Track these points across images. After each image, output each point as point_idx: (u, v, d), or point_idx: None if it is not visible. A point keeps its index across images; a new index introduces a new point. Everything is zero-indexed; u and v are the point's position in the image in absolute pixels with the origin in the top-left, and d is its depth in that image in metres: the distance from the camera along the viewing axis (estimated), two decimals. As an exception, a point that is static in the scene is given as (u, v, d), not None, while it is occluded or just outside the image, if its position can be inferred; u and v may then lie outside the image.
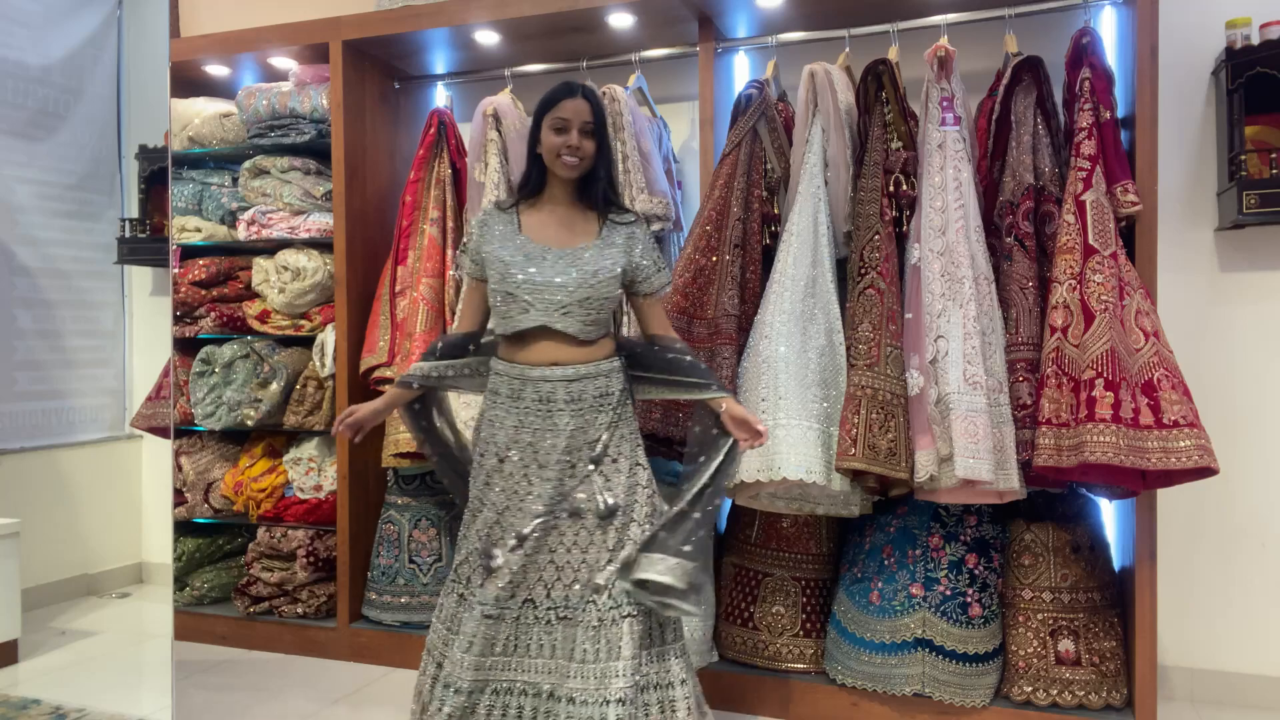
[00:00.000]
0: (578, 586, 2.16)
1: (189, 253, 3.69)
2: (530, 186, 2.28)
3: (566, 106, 2.18)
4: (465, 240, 2.31)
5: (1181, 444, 2.30)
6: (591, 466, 2.18)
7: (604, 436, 2.19)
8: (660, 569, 2.11)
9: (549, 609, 2.17)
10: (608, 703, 2.07)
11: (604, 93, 2.92)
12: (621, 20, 3.08)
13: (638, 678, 2.12)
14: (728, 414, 2.20)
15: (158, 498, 3.75)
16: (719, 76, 3.10)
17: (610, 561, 2.16)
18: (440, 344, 2.36)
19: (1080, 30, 2.63)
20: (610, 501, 2.17)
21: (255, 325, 3.59)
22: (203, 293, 3.62)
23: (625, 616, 2.13)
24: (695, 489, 2.19)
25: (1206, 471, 2.31)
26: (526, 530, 2.16)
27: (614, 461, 2.20)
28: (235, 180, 3.72)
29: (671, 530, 2.16)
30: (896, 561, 2.74)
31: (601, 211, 2.27)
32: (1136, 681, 2.56)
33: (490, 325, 2.35)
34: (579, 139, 2.17)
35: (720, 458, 2.22)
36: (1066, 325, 2.44)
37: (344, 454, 3.36)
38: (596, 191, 2.25)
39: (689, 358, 2.28)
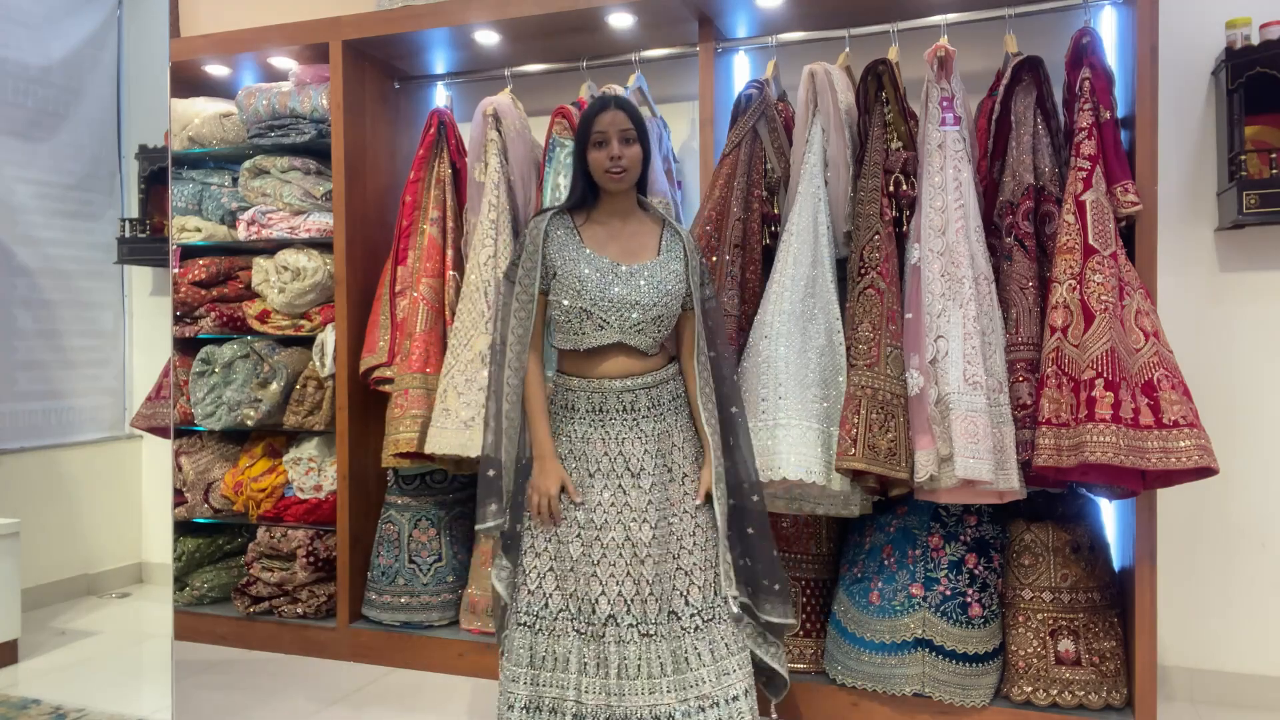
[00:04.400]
0: (685, 594, 2.20)
1: (189, 253, 3.69)
2: (582, 200, 2.29)
3: (602, 120, 2.20)
4: (518, 255, 2.29)
5: (1181, 444, 2.30)
6: (674, 470, 2.24)
7: (679, 439, 2.26)
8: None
9: (659, 622, 2.17)
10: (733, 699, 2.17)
11: (604, 92, 2.92)
12: (621, 20, 3.08)
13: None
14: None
15: (158, 498, 3.75)
16: (719, 76, 3.10)
17: (702, 568, 2.23)
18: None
19: (1080, 30, 2.63)
20: (697, 503, 2.26)
21: (255, 325, 3.59)
22: (203, 293, 3.62)
23: (721, 619, 2.23)
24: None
25: (1206, 471, 2.31)
26: (639, 541, 2.17)
27: (690, 463, 2.28)
28: (235, 180, 3.72)
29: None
30: (896, 561, 2.73)
31: (654, 216, 2.33)
32: (1136, 681, 2.56)
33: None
34: (620, 148, 2.19)
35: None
36: (1066, 325, 2.44)
37: (344, 454, 3.37)
38: (645, 194, 2.33)
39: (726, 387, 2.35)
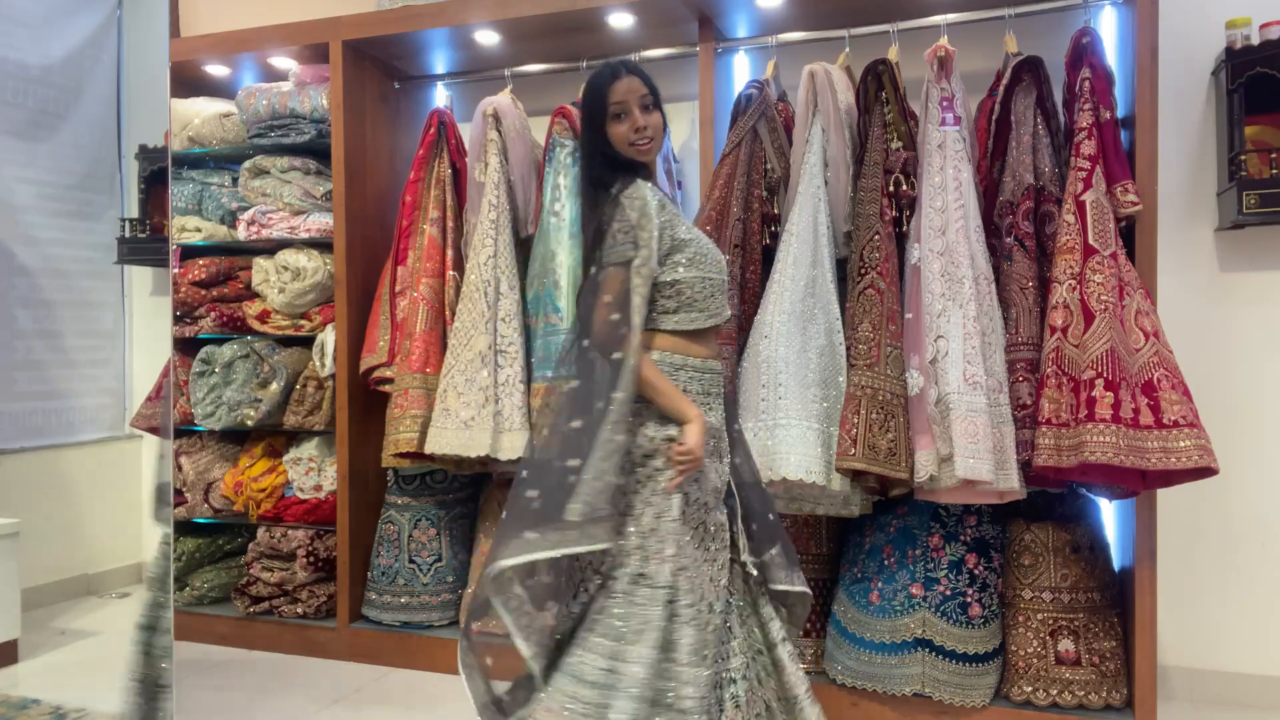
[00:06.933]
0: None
1: (189, 253, 3.69)
2: (602, 184, 2.01)
3: (618, 89, 1.97)
4: (640, 235, 1.94)
5: (1181, 444, 2.30)
6: (730, 454, 2.10)
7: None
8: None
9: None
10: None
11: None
12: (621, 20, 3.08)
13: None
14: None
15: (157, 498, 3.75)
16: (719, 76, 3.10)
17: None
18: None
19: (1080, 30, 2.63)
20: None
21: (255, 325, 3.59)
22: (203, 293, 3.62)
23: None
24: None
25: (1206, 471, 2.31)
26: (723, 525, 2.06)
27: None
28: (235, 180, 3.72)
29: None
30: (896, 561, 2.73)
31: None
32: (1136, 681, 2.57)
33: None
34: (643, 116, 1.98)
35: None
36: (1066, 325, 2.44)
37: (344, 454, 3.36)
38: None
39: None
